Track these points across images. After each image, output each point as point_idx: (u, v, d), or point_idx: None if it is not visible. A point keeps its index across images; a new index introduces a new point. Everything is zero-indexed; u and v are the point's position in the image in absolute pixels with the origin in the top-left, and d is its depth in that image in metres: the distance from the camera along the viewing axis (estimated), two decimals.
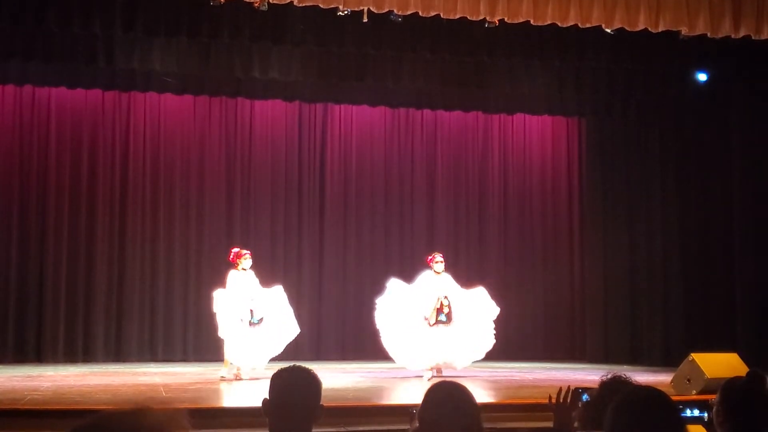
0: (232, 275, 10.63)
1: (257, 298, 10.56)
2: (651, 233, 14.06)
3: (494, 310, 11.13)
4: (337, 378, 10.44)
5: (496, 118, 15.35)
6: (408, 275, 11.42)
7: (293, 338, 10.82)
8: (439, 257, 11.12)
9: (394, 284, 11.16)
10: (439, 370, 10.82)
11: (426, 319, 10.82)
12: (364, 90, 13.80)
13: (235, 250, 10.91)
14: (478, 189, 15.29)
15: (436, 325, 10.81)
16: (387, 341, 11.01)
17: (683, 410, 4.49)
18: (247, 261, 10.65)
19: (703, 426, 4.01)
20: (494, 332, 11.10)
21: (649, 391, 2.71)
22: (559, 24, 10.26)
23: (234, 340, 10.43)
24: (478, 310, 11.05)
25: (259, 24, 10.88)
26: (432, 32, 11.14)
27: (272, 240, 14.25)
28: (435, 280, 10.99)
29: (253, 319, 10.45)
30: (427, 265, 11.17)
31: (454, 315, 10.86)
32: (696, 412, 4.58)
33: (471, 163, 15.29)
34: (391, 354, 11.07)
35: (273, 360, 10.45)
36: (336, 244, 14.55)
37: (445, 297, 10.88)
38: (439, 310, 10.83)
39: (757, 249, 12.89)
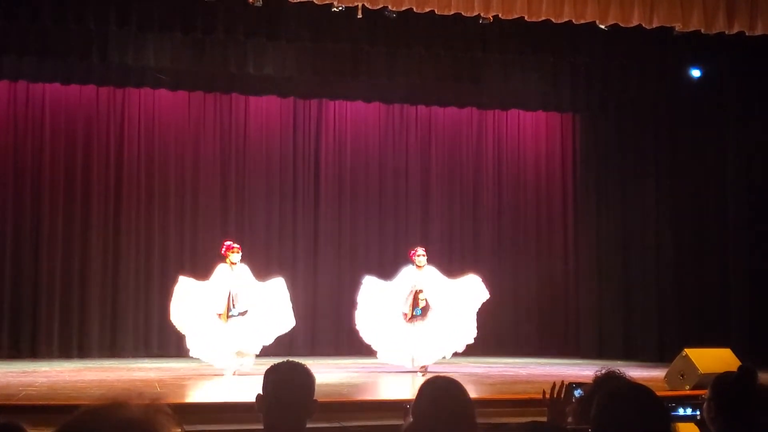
0: (218, 268, 10.63)
1: (243, 291, 10.52)
2: (644, 229, 14.09)
3: (483, 296, 11.11)
4: (332, 373, 10.45)
5: (491, 113, 15.37)
6: (401, 270, 11.42)
7: (285, 331, 10.76)
8: (421, 251, 11.13)
9: (369, 282, 11.20)
10: (424, 367, 10.81)
11: (404, 315, 10.87)
12: (359, 86, 13.83)
13: (227, 243, 10.87)
14: (472, 184, 15.31)
15: (412, 321, 10.85)
16: (368, 337, 11.08)
17: (675, 408, 4.50)
18: (235, 255, 10.60)
19: (696, 424, 4.02)
20: (475, 326, 11.10)
21: (634, 386, 2.73)
22: (554, 20, 10.26)
23: (205, 335, 10.40)
24: (463, 301, 11.05)
25: (254, 20, 10.89)
26: (426, 28, 11.16)
27: (267, 235, 14.26)
28: (414, 275, 11.00)
29: (232, 312, 10.43)
30: (409, 260, 11.19)
31: (431, 309, 10.88)
32: (689, 411, 4.59)
33: (465, 158, 15.31)
34: (375, 350, 11.12)
35: (261, 356, 10.41)
36: (330, 239, 14.57)
37: (420, 291, 10.90)
38: (414, 304, 10.87)
39: (750, 245, 12.92)
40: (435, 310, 10.92)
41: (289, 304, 10.76)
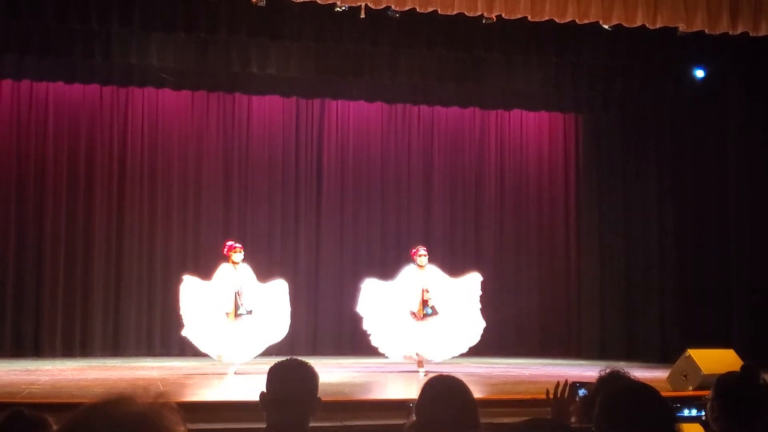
0: (220, 268, 10.65)
1: (247, 291, 10.54)
2: (647, 229, 14.08)
3: (478, 291, 11.09)
4: (334, 373, 10.44)
5: (493, 113, 15.36)
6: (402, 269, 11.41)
7: (279, 339, 10.73)
8: (422, 250, 11.11)
9: (369, 284, 11.19)
10: (420, 363, 10.80)
11: (413, 314, 10.85)
12: (361, 86, 13.83)
13: (229, 243, 10.90)
14: (474, 185, 15.30)
15: (423, 320, 10.84)
16: (376, 338, 11.07)
17: (681, 409, 4.50)
18: (238, 255, 10.62)
19: (701, 425, 4.02)
20: (482, 325, 11.08)
21: (638, 385, 2.73)
22: (557, 20, 10.26)
23: (209, 332, 10.44)
24: (466, 299, 11.04)
25: (257, 20, 10.89)
26: (429, 28, 11.15)
27: (269, 235, 14.27)
28: (417, 274, 10.99)
29: (240, 311, 10.44)
30: (411, 259, 11.19)
31: (438, 307, 10.88)
32: (694, 412, 4.59)
33: (467, 158, 15.29)
34: (381, 350, 11.11)
35: (264, 355, 10.42)
36: (332, 239, 14.56)
37: (426, 290, 10.89)
38: (425, 303, 10.86)
39: (753, 245, 12.91)
40: (441, 309, 10.90)
41: (288, 310, 10.76)
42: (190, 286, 10.62)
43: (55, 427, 2.72)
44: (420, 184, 15.03)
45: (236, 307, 10.45)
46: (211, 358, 10.80)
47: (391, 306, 10.93)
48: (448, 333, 10.86)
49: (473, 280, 11.20)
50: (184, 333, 10.67)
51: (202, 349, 10.65)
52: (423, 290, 10.89)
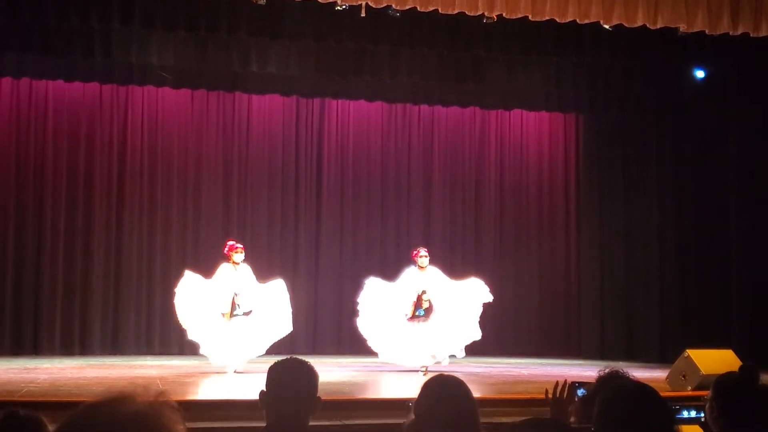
0: (221, 268, 10.66)
1: (246, 292, 10.55)
2: (647, 230, 14.09)
3: (486, 298, 11.09)
4: (333, 372, 10.44)
5: (493, 113, 15.35)
6: (404, 271, 11.42)
7: (282, 336, 10.76)
8: (423, 252, 11.12)
9: (371, 283, 11.20)
10: (425, 367, 10.81)
11: (406, 315, 10.87)
12: (362, 85, 13.81)
13: (230, 243, 10.91)
14: (474, 184, 15.29)
15: (414, 320, 10.85)
16: (371, 340, 11.08)
17: (680, 411, 4.50)
18: (238, 255, 10.65)
19: (700, 426, 4.02)
20: (479, 329, 11.08)
21: (638, 385, 2.73)
22: (558, 20, 10.25)
23: (208, 332, 10.46)
24: (465, 303, 11.04)
25: (257, 18, 10.89)
26: (430, 27, 11.16)
27: (269, 234, 14.26)
28: (417, 276, 10.99)
29: (237, 312, 10.46)
30: (411, 260, 11.19)
31: (435, 309, 10.87)
32: (693, 413, 4.60)
33: (468, 158, 15.29)
34: (377, 351, 11.13)
35: (264, 354, 10.44)
36: (332, 238, 14.56)
37: (423, 292, 10.89)
38: (417, 305, 10.86)
39: (753, 245, 12.91)
40: (437, 311, 10.91)
41: (289, 308, 10.79)
42: (189, 282, 10.64)
43: (50, 427, 2.72)
44: (420, 184, 15.02)
45: (232, 308, 10.47)
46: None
47: (388, 308, 10.94)
48: (440, 336, 10.85)
49: (474, 286, 11.18)
50: (190, 337, 10.71)
51: (207, 354, 10.66)
52: (419, 292, 10.89)
